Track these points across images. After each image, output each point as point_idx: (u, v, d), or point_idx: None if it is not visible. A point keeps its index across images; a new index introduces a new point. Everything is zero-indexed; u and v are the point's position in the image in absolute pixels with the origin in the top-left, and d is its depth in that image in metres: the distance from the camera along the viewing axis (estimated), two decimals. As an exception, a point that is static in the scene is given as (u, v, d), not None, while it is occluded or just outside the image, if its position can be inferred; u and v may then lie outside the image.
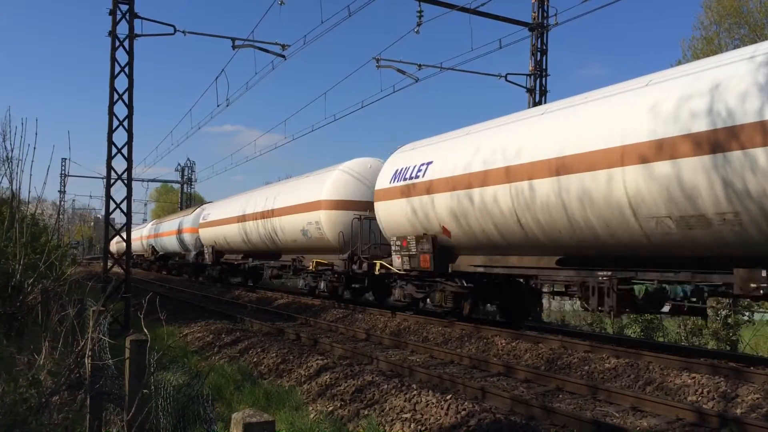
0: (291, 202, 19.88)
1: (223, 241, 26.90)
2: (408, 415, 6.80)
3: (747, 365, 9.13)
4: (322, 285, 18.77)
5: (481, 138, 12.13)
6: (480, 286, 13.42)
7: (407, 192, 13.70)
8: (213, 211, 29.15)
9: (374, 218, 15.66)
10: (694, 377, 8.23)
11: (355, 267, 16.57)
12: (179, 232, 34.23)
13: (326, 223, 17.64)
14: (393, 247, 14.42)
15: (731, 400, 7.48)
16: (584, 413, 7.04)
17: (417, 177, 13.43)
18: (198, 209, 33.44)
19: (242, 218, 23.93)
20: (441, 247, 13.03)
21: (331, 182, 18.01)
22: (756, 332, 15.96)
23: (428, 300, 14.64)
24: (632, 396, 7.59)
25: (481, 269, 12.40)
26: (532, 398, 7.76)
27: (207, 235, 28.93)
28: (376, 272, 15.47)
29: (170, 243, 36.66)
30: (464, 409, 6.60)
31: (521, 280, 13.07)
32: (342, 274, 17.50)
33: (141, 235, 46.63)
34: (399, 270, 14.39)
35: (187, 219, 33.60)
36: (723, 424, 6.52)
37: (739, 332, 15.36)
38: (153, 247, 42.11)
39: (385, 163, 15.54)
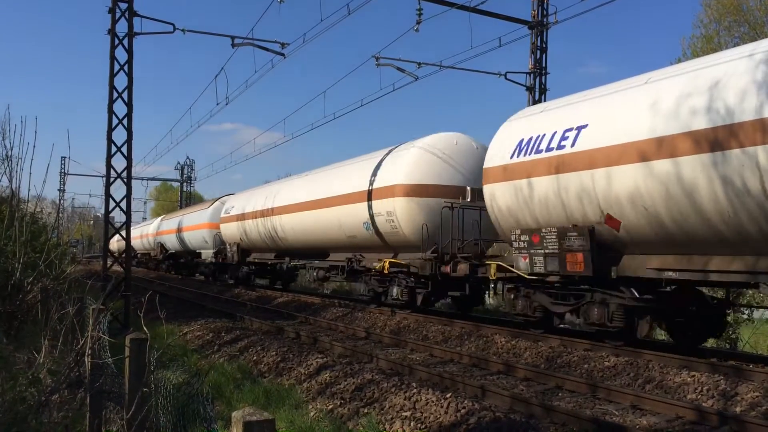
0: (347, 189, 16.39)
1: (253, 237, 23.45)
2: (408, 414, 6.81)
3: (746, 363, 9.14)
4: (395, 291, 15.07)
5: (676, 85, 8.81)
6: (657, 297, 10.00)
7: (545, 168, 10.45)
8: (238, 203, 25.62)
9: (474, 207, 13.13)
10: (693, 375, 8.24)
11: (446, 269, 13.25)
12: (195, 228, 31.14)
13: (403, 214, 14.26)
14: (516, 244, 11.04)
15: (731, 398, 7.48)
16: (584, 411, 7.04)
17: (561, 147, 10.15)
18: (217, 202, 29.90)
19: (278, 211, 20.81)
20: (601, 244, 9.79)
21: (410, 162, 14.51)
22: (755, 330, 15.98)
23: (568, 315, 11.37)
24: (632, 394, 7.60)
25: (671, 274, 9.09)
26: (532, 396, 7.76)
27: (230, 231, 25.62)
28: (492, 276, 11.84)
29: (183, 240, 33.36)
30: (464, 408, 6.61)
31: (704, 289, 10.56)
32: (426, 277, 14.12)
33: (147, 233, 43.64)
34: (526, 274, 11.02)
35: (204, 213, 30.34)
36: (723, 422, 6.53)
37: (739, 330, 15.36)
38: (162, 245, 38.78)
39: (499, 134, 12.10)
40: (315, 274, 19.29)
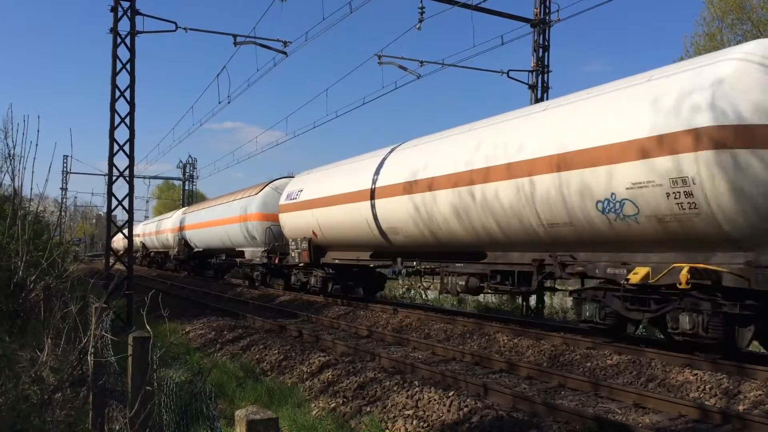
0: (563, 146, 9.86)
1: (342, 229, 16.85)
2: (410, 412, 6.80)
3: (749, 362, 9.12)
4: (686, 321, 8.75)
5: None
6: None
7: None
8: (311, 185, 18.95)
9: None
10: (696, 374, 8.22)
11: None
12: (236, 220, 25.00)
13: (721, 181, 7.79)
14: None
15: (734, 396, 7.47)
16: (587, 410, 7.04)
17: None
18: (267, 188, 23.71)
19: (406, 188, 13.71)
20: None
21: (729, 85, 7.89)
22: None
23: None
24: (635, 392, 7.59)
25: None
26: (535, 395, 7.76)
27: (299, 222, 19.06)
28: None
29: (217, 236, 27.53)
30: (466, 406, 6.60)
31: None
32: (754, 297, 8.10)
33: (164, 228, 38.14)
34: None
35: (250, 201, 23.98)
36: (726, 420, 6.52)
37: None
38: (185, 241, 32.85)
39: None
40: (462, 282, 12.85)
